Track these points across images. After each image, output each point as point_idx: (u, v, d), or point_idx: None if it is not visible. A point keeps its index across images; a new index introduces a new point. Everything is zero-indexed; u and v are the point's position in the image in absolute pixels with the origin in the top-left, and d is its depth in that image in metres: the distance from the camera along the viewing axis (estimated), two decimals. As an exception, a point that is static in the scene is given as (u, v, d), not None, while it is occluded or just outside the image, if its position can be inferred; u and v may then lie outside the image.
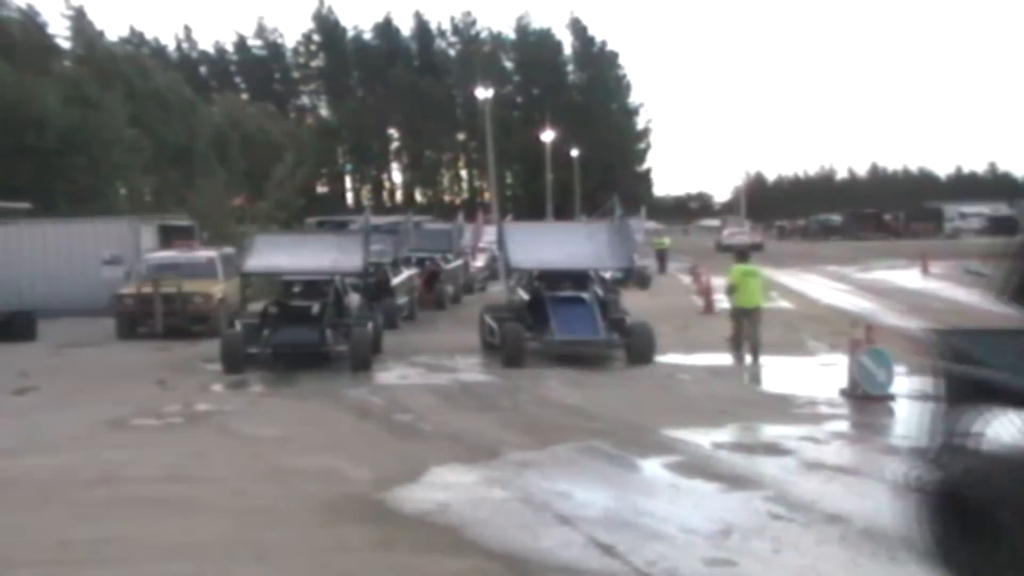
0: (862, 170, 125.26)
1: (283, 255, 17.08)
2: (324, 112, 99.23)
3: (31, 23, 53.36)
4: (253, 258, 17.19)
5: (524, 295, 17.00)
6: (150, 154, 47.91)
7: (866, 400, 11.94)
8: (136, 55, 63.56)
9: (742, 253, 18.02)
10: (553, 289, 16.40)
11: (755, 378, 14.96)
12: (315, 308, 16.02)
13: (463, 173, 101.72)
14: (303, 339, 15.48)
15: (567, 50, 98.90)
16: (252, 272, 17.64)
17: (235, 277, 22.99)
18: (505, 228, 18.35)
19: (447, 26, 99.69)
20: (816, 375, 14.32)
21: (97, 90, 44.77)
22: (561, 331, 15.41)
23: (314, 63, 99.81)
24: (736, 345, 16.01)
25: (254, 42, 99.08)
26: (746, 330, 15.82)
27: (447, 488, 8.41)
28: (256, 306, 17.68)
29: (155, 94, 53.19)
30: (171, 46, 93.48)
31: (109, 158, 43.24)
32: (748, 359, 15.67)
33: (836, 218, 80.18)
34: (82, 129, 41.43)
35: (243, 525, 7.47)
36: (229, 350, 15.20)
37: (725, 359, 16.28)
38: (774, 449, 9.67)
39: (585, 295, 16.32)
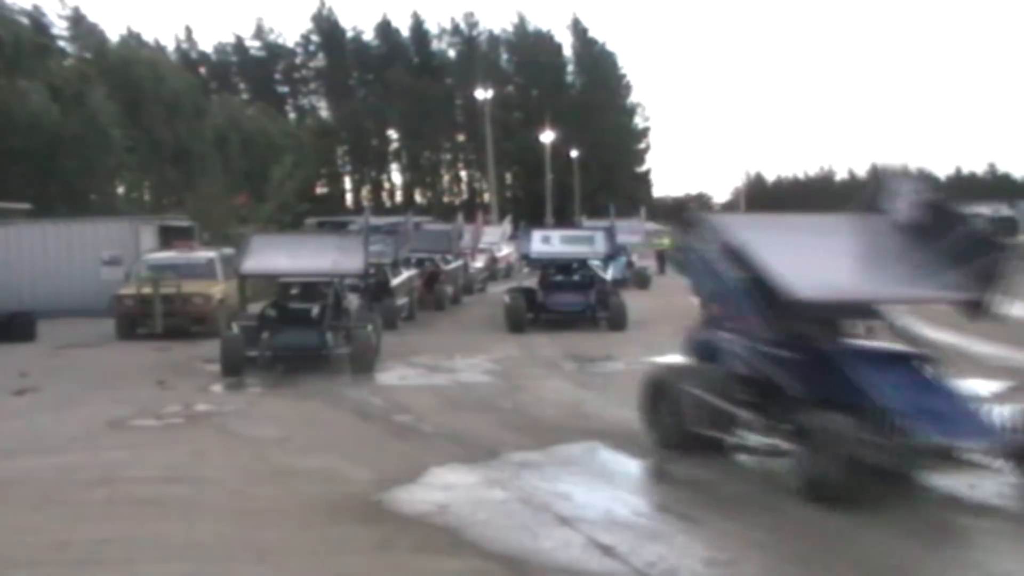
0: (862, 170, 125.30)
1: (281, 256, 16.79)
2: (323, 113, 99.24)
3: (35, 24, 53.40)
4: (251, 259, 16.75)
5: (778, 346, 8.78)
6: (149, 155, 47.97)
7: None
8: (154, 58, 63.57)
9: None
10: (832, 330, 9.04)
11: None
12: (315, 310, 15.89)
13: (463, 174, 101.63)
14: (303, 342, 15.35)
15: (567, 51, 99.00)
16: (250, 273, 17.30)
17: (235, 278, 23.09)
18: (751, 225, 9.95)
19: (447, 27, 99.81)
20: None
21: (86, 91, 44.77)
22: (937, 429, 7.76)
23: (313, 64, 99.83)
24: None
25: (253, 43, 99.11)
26: None
27: (447, 489, 8.41)
28: (255, 307, 17.62)
29: (165, 96, 53.26)
30: (170, 47, 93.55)
31: (101, 159, 43.28)
32: None
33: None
34: (75, 131, 41.46)
35: (243, 525, 7.47)
36: (228, 353, 15.04)
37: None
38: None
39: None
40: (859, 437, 7.53)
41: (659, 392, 9.85)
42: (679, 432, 9.31)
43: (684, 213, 11.43)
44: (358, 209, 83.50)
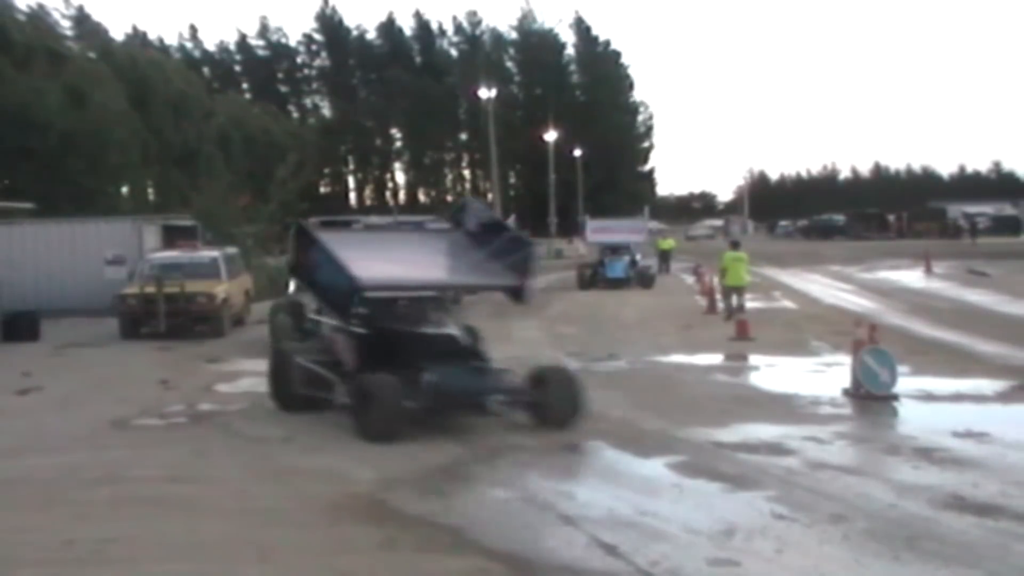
0: (865, 169, 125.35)
1: (390, 262, 11.74)
2: (327, 112, 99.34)
3: (41, 24, 53.50)
4: (358, 266, 10.74)
5: None
6: (155, 154, 48.05)
7: (869, 400, 11.93)
8: (161, 59, 63.73)
9: (733, 243, 23.42)
10: None
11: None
12: (459, 336, 11.54)
13: (466, 173, 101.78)
14: (472, 385, 10.66)
15: (570, 50, 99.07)
16: (374, 288, 11.00)
17: (238, 277, 23.08)
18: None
19: (449, 26, 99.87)
20: (819, 375, 14.31)
21: (95, 91, 44.85)
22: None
23: (317, 63, 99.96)
24: (728, 315, 20.87)
25: (257, 42, 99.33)
26: (735, 301, 21.34)
27: (449, 488, 8.41)
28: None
29: (173, 97, 53.36)
30: (174, 46, 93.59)
31: (107, 158, 43.36)
32: (735, 304, 21.11)
33: (839, 218, 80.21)
34: (81, 130, 41.53)
35: (246, 525, 7.47)
36: (386, 406, 10.08)
37: (727, 359, 16.32)
38: (777, 449, 9.65)
39: None
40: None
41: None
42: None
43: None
44: (363, 208, 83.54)
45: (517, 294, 11.71)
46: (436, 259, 12.28)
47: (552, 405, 10.60)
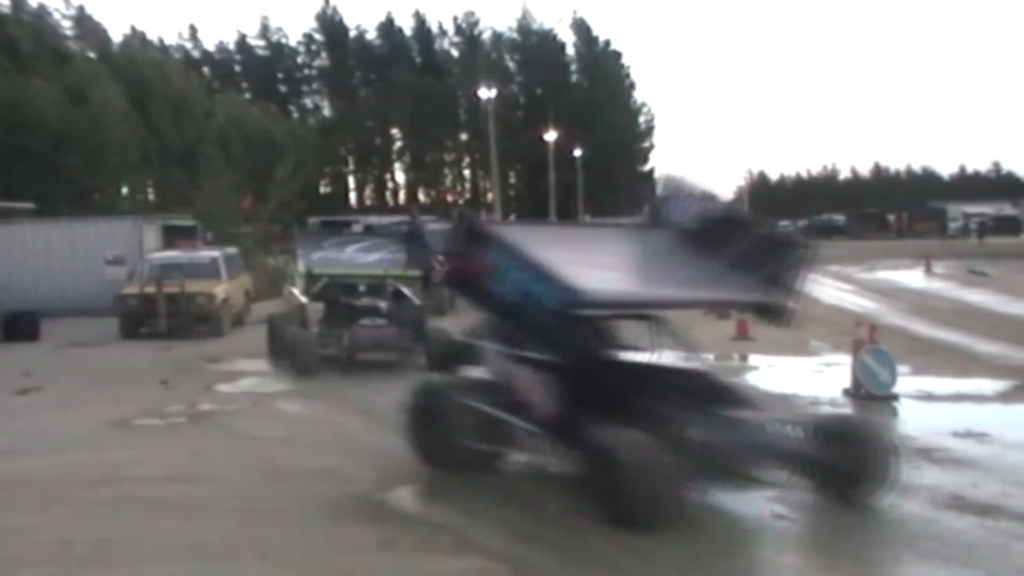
0: (865, 170, 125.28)
1: (601, 268, 9.39)
2: (327, 112, 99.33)
3: (42, 24, 53.55)
4: (570, 273, 8.76)
5: None
6: (155, 154, 48.07)
7: (869, 400, 11.93)
8: (160, 59, 63.78)
9: None
10: None
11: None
12: (713, 373, 9.35)
13: (466, 173, 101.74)
14: (744, 442, 7.90)
15: (570, 50, 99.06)
16: (596, 306, 8.62)
17: (238, 277, 23.06)
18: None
19: (449, 26, 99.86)
20: (819, 375, 14.31)
21: (95, 91, 44.88)
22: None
23: (317, 63, 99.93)
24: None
25: (257, 42, 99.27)
26: None
27: (450, 488, 8.39)
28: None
29: (172, 97, 53.41)
30: (174, 46, 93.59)
31: (106, 158, 43.40)
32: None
33: (839, 218, 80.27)
34: (80, 130, 41.57)
35: (246, 525, 7.47)
36: (642, 475, 7.65)
37: (727, 359, 16.32)
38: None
39: None
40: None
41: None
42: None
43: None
44: (362, 208, 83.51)
45: (774, 313, 8.38)
46: (657, 266, 8.92)
47: (850, 473, 7.56)
